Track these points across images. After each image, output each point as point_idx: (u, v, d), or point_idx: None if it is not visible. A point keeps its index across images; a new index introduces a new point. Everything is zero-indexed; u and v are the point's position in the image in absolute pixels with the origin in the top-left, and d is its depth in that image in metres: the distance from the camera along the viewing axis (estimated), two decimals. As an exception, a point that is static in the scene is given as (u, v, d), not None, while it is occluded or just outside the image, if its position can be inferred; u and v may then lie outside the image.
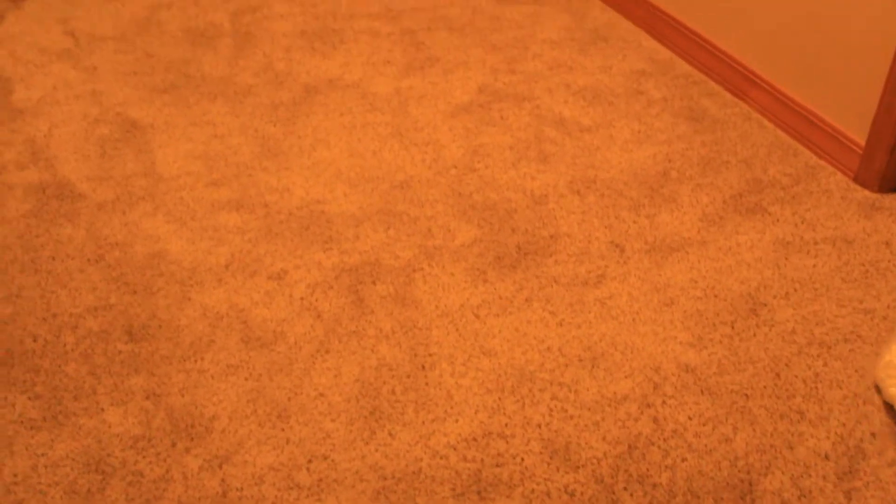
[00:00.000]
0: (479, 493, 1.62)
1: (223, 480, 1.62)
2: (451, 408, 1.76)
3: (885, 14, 2.24)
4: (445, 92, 2.69)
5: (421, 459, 1.67)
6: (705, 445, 1.72)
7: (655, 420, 1.76)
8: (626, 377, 1.84)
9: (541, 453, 1.69)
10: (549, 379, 1.82)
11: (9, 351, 1.84)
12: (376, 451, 1.68)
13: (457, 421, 1.74)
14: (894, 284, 2.08)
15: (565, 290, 2.03)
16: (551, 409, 1.76)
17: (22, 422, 1.71)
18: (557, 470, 1.66)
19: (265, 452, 1.67)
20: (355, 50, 2.88)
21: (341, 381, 1.80)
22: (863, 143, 2.40)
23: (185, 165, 2.36)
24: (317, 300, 1.98)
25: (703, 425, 1.75)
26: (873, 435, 1.74)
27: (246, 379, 1.80)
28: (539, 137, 2.51)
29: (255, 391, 1.78)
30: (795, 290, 2.07)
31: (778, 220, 2.27)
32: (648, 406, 1.78)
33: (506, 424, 1.73)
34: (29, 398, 1.75)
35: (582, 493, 1.63)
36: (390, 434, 1.71)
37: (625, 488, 1.64)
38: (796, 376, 1.86)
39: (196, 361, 1.83)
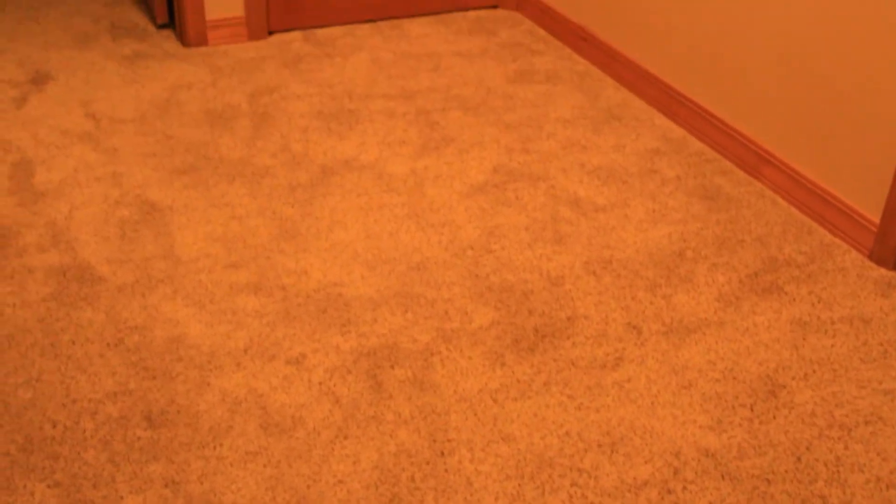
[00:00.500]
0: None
1: (242, 571, 1.61)
2: (471, 495, 1.75)
3: (896, 95, 2.26)
4: (461, 172, 2.72)
5: (441, 548, 1.66)
6: (727, 533, 1.70)
7: (676, 507, 1.74)
8: (645, 462, 1.83)
9: (561, 542, 1.68)
10: (568, 465, 1.82)
11: (28, 437, 1.85)
12: (396, 539, 1.67)
13: (476, 508, 1.73)
14: (913, 365, 2.08)
15: (583, 373, 2.03)
16: (571, 496, 1.75)
17: (41, 511, 1.71)
18: (578, 559, 1.65)
19: (284, 542, 1.66)
20: (371, 130, 2.92)
21: (360, 467, 1.80)
22: (877, 220, 2.41)
23: (203, 247, 2.38)
24: (335, 385, 1.98)
25: (725, 512, 1.74)
26: (897, 521, 1.73)
27: (265, 466, 1.80)
28: (554, 217, 2.53)
29: (273, 478, 1.77)
30: (814, 370, 2.07)
31: (794, 300, 2.27)
32: (669, 492, 1.77)
33: (526, 512, 1.72)
34: (48, 486, 1.75)
35: (604, 584, 1.61)
36: (410, 522, 1.70)
37: (647, 578, 1.62)
38: (817, 460, 1.85)
39: (215, 448, 1.83)
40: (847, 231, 2.48)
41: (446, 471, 1.80)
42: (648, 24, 3.08)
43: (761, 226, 2.54)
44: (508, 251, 2.40)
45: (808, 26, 2.49)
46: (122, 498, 1.73)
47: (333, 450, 1.83)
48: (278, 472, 1.79)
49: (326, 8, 3.59)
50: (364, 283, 2.27)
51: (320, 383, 1.98)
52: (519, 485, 1.77)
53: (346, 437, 1.86)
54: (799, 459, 1.85)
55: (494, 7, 3.85)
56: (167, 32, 3.53)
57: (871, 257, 2.42)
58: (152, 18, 3.63)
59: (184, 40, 3.42)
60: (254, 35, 3.49)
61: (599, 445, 1.86)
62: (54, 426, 1.87)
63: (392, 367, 2.03)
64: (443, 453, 1.83)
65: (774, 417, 1.94)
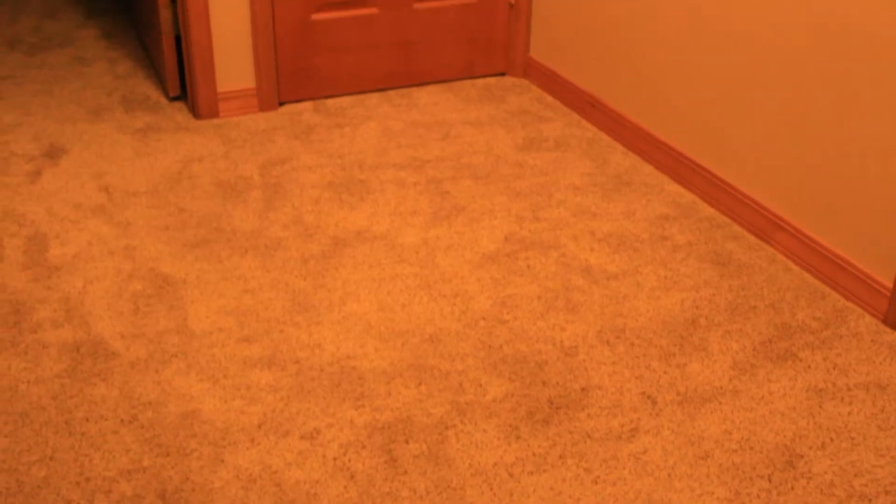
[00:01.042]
0: None
1: None
2: (488, 573, 1.73)
3: (905, 162, 2.27)
4: (472, 241, 2.73)
5: None
6: None
7: (697, 583, 1.72)
8: (664, 537, 1.81)
9: None
10: (586, 540, 1.80)
11: (42, 518, 1.84)
12: None
13: (494, 587, 1.71)
14: (932, 433, 2.06)
15: (599, 445, 2.02)
16: (590, 573, 1.73)
17: None
18: None
19: None
20: (382, 200, 2.94)
21: (376, 545, 1.78)
22: (890, 284, 2.40)
23: (216, 321, 2.38)
24: (350, 460, 1.97)
25: (746, 588, 1.72)
26: None
27: (280, 545, 1.78)
28: (566, 286, 2.53)
29: (289, 558, 1.76)
30: (832, 439, 2.05)
31: (809, 367, 2.26)
32: (689, 568, 1.75)
33: (544, 590, 1.70)
34: (62, 568, 1.74)
35: None
36: None
37: None
38: (838, 533, 1.83)
39: (229, 527, 1.82)
40: (860, 296, 2.48)
41: (463, 548, 1.78)
42: (656, 91, 3.11)
43: (774, 291, 2.54)
44: (521, 321, 2.40)
45: (818, 91, 2.51)
46: (136, 580, 1.72)
47: (349, 527, 1.82)
48: (293, 552, 1.77)
49: (336, 78, 3.63)
50: (377, 356, 2.27)
51: (335, 459, 1.97)
52: (536, 562, 1.75)
53: (361, 515, 1.85)
54: (819, 532, 1.83)
55: (502, 74, 3.90)
56: (179, 104, 3.57)
57: (885, 321, 2.41)
58: (164, 91, 3.67)
59: (195, 112, 3.46)
60: (265, 106, 3.53)
61: (617, 520, 1.84)
62: (68, 506, 1.87)
63: (407, 441, 2.02)
64: (459, 530, 1.82)
65: (793, 488, 1.92)
